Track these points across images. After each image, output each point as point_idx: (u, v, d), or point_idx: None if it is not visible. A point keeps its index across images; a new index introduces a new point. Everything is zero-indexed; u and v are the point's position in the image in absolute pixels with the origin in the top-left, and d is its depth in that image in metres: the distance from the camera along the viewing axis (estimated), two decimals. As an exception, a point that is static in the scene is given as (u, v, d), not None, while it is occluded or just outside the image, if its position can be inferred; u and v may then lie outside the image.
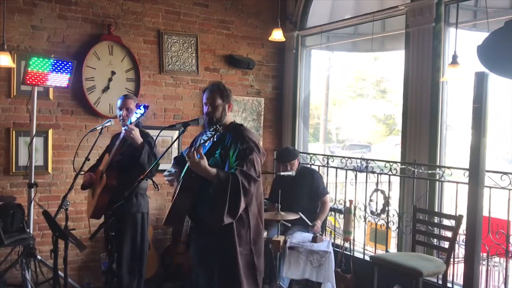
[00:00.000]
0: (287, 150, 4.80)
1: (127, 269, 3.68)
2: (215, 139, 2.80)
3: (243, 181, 2.68)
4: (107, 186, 3.59)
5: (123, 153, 3.65)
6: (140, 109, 3.33)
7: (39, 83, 4.09)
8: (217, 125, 2.78)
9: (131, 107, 3.76)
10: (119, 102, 3.84)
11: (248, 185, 2.70)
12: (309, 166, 5.17)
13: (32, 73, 4.01)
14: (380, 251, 4.52)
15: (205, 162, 2.66)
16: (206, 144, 2.76)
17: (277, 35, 5.18)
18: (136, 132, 3.49)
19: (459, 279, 3.88)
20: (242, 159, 2.74)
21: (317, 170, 5.03)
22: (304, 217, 4.23)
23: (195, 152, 2.62)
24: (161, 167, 3.87)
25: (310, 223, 4.30)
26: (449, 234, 3.80)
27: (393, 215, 4.39)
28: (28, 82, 4.04)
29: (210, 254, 2.85)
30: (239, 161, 2.74)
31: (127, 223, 3.67)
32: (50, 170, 4.62)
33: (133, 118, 3.43)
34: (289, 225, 4.40)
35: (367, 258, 4.46)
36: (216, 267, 2.82)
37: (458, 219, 3.65)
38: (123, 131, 3.54)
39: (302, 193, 4.56)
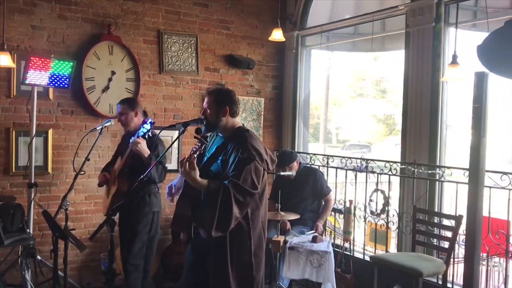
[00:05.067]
0: (284, 154, 4.74)
1: (133, 264, 3.80)
2: (201, 151, 2.70)
3: (235, 194, 2.57)
4: (118, 191, 3.76)
5: (133, 157, 3.72)
6: (147, 124, 3.52)
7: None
8: (201, 136, 2.69)
9: (124, 111, 3.90)
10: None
11: (242, 199, 2.60)
12: (309, 165, 5.17)
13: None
14: (380, 251, 4.52)
15: (195, 173, 2.58)
16: (195, 155, 2.63)
17: (277, 35, 5.18)
18: (143, 145, 3.58)
19: (459, 279, 3.88)
20: (239, 169, 2.62)
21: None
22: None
23: (187, 162, 2.57)
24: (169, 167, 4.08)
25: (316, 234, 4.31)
26: (449, 234, 3.80)
27: (393, 215, 4.39)
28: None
29: (204, 258, 2.79)
30: (236, 171, 2.63)
31: (139, 221, 3.80)
32: (50, 170, 4.62)
33: (141, 132, 3.57)
34: (296, 235, 4.39)
35: (367, 258, 4.46)
36: (210, 274, 2.75)
37: (458, 219, 3.65)
38: (131, 142, 3.63)
39: (306, 193, 4.56)
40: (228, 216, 2.58)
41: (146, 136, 3.60)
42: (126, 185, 3.74)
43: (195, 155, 2.63)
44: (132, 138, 3.62)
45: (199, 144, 2.68)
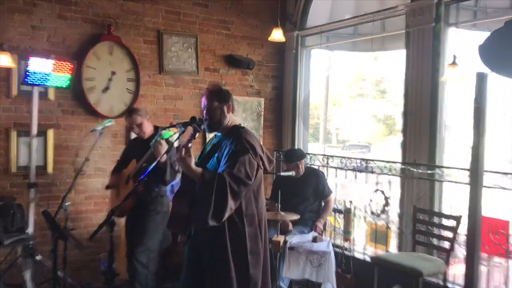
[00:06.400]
0: (294, 151, 4.76)
1: (140, 261, 3.85)
2: (194, 138, 2.69)
3: (230, 183, 2.57)
4: (135, 191, 3.71)
5: (149, 160, 3.71)
6: (172, 127, 3.45)
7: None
8: (196, 124, 2.69)
9: (139, 122, 3.90)
10: (126, 122, 4.04)
11: (237, 188, 2.59)
12: (310, 166, 5.16)
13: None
14: (380, 251, 4.52)
15: (191, 160, 2.59)
16: (189, 145, 2.63)
17: (277, 35, 5.18)
18: (163, 149, 3.57)
19: (459, 279, 3.88)
20: (233, 160, 2.63)
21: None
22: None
23: (183, 148, 2.59)
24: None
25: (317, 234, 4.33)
26: (449, 234, 3.80)
27: (393, 215, 4.39)
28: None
29: (202, 255, 2.78)
30: (230, 162, 2.64)
31: (149, 221, 3.87)
32: (50, 170, 4.62)
33: (166, 135, 3.55)
34: (296, 234, 4.39)
35: (367, 258, 4.46)
36: (206, 271, 2.75)
37: (458, 219, 3.65)
38: (153, 144, 3.63)
39: (308, 193, 4.56)
40: (224, 204, 2.58)
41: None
42: (142, 186, 3.74)
43: (191, 143, 2.63)
44: (156, 140, 3.61)
45: (193, 132, 2.69)
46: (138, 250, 3.85)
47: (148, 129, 3.95)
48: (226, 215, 2.61)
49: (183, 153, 2.59)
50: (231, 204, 2.61)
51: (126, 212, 3.87)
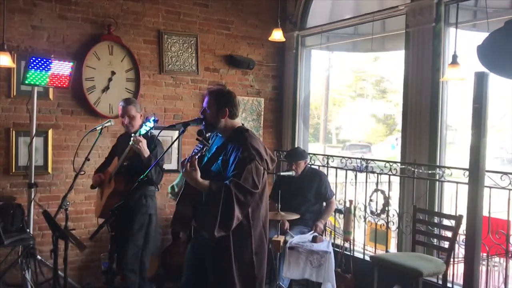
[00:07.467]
0: (295, 150, 4.77)
1: (130, 268, 3.75)
2: (203, 153, 2.70)
3: (237, 194, 2.58)
4: (115, 191, 3.68)
5: (131, 158, 3.66)
6: (150, 122, 3.40)
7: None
8: (203, 138, 2.68)
9: (133, 114, 3.80)
10: (119, 109, 3.87)
11: (243, 198, 2.60)
12: (316, 167, 5.14)
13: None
14: (380, 251, 4.52)
15: (196, 173, 2.58)
16: (197, 156, 2.63)
17: (277, 35, 5.18)
18: (143, 144, 3.50)
19: (459, 279, 3.88)
20: (240, 169, 2.62)
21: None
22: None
23: (188, 163, 2.57)
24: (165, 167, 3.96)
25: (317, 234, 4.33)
26: (449, 234, 3.80)
27: (393, 215, 4.39)
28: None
29: (205, 258, 2.78)
30: (236, 171, 2.63)
31: (134, 223, 3.74)
32: (50, 170, 4.62)
33: (143, 130, 3.47)
34: (293, 236, 4.39)
35: (367, 258, 4.46)
36: (210, 273, 2.74)
37: (458, 219, 3.65)
38: (131, 141, 3.54)
39: (309, 194, 4.56)
40: (230, 215, 2.58)
41: (149, 134, 3.54)
42: (122, 185, 3.68)
43: (196, 156, 2.62)
44: (133, 136, 3.53)
45: (201, 146, 2.68)
46: (125, 257, 3.71)
47: (137, 124, 3.81)
48: (234, 225, 2.61)
49: (188, 167, 2.58)
50: (238, 214, 2.61)
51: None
